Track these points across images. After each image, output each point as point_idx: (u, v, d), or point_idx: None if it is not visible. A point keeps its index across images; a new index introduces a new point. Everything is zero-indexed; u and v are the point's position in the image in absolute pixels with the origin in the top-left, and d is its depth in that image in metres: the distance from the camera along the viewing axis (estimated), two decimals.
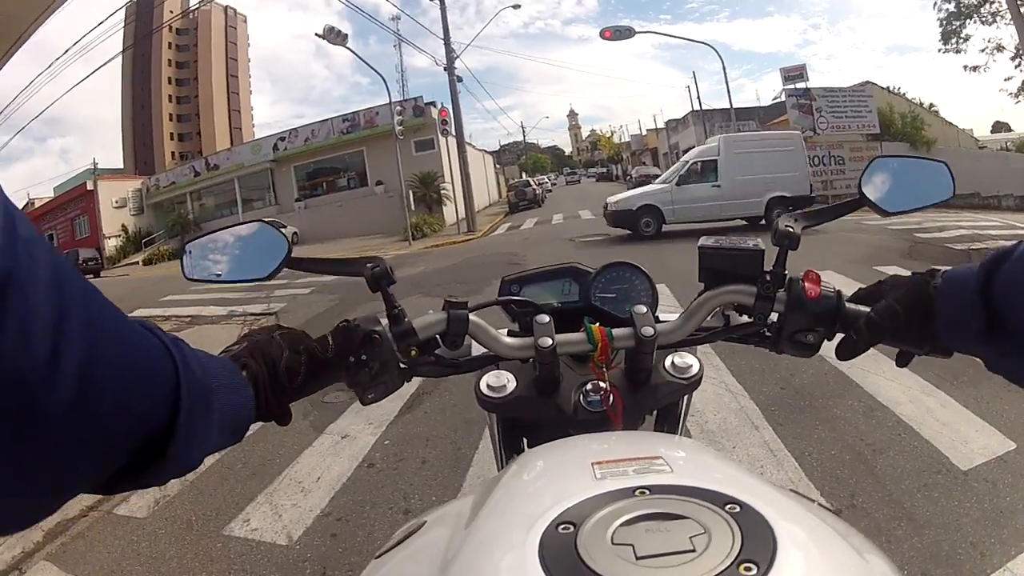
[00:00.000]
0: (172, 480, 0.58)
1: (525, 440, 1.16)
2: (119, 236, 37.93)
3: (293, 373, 0.82)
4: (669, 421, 1.15)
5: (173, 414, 0.54)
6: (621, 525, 0.53)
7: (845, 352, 0.92)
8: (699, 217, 16.22)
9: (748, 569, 0.46)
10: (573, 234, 18.08)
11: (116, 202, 39.07)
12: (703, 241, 1.01)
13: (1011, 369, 0.71)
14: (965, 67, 26.97)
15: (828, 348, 0.97)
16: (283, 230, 0.99)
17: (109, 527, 3.72)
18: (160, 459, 0.54)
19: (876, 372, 4.86)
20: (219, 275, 1.05)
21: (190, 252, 1.05)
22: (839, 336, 0.94)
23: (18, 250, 0.38)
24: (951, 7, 25.81)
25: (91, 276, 21.36)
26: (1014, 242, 0.68)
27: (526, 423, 1.14)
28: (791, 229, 0.95)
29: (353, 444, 4.64)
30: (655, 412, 1.14)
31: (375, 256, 1.01)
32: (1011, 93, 26.52)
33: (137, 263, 33.29)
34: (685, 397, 1.13)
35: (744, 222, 16.80)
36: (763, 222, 16.09)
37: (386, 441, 4.65)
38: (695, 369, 1.05)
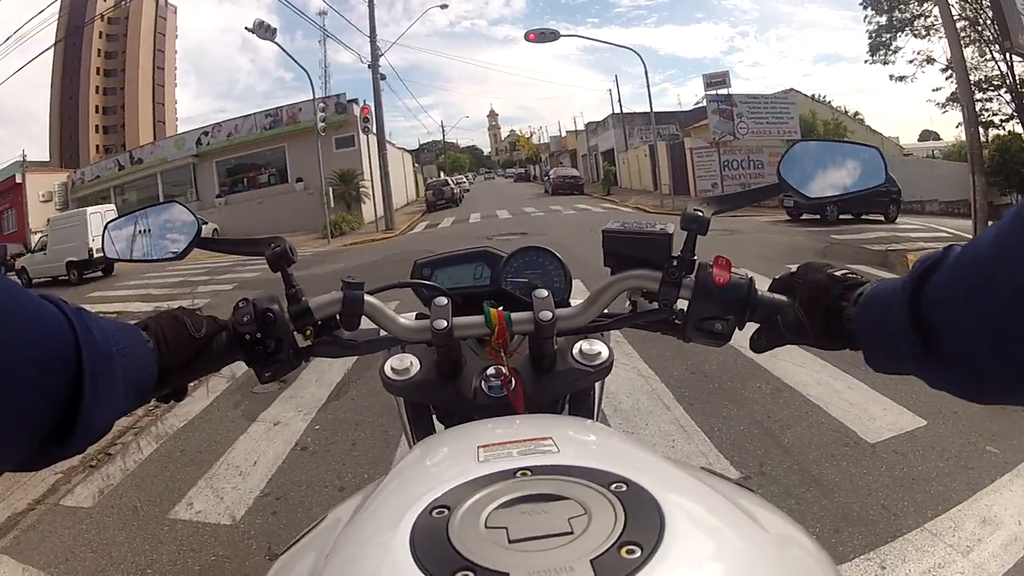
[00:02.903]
0: (90, 449, 0.60)
1: (439, 425, 1.10)
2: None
3: (196, 329, 0.82)
4: (582, 408, 1.09)
5: (78, 381, 0.54)
6: (497, 508, 0.51)
7: (755, 347, 0.91)
8: None
9: (631, 552, 0.43)
10: (490, 232, 17.99)
11: (43, 196, 36.83)
12: (608, 225, 0.98)
13: (954, 385, 0.61)
14: (891, 77, 26.78)
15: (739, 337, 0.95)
16: (198, 214, 1.04)
17: (58, 518, 3.69)
18: (73, 426, 0.55)
19: (784, 358, 5.07)
20: (137, 255, 1.04)
21: (111, 232, 1.06)
22: (751, 325, 0.91)
23: None
24: (882, 20, 25.76)
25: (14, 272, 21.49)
26: (940, 250, 0.61)
27: (435, 408, 1.09)
28: (700, 213, 0.91)
29: (285, 430, 4.69)
30: (568, 399, 1.09)
31: (277, 236, 0.97)
32: (938, 103, 26.43)
33: None
34: (597, 384, 1.09)
35: None
36: None
37: (316, 426, 4.72)
38: (604, 356, 0.98)
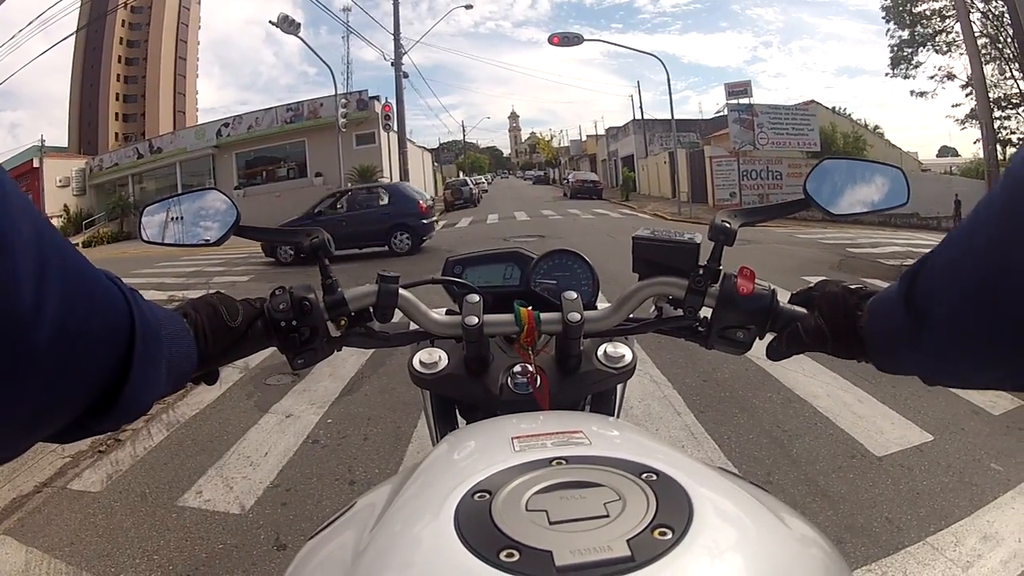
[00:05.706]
0: (125, 425, 0.62)
1: (462, 420, 1.14)
2: (60, 216, 36.42)
3: (232, 318, 0.86)
4: (604, 408, 1.12)
5: (128, 358, 0.57)
6: (536, 493, 0.54)
7: (773, 354, 0.93)
8: None
9: (663, 534, 0.47)
10: (508, 234, 17.97)
11: (60, 181, 37.41)
12: (639, 232, 1.00)
13: (946, 370, 0.65)
14: (912, 92, 27.17)
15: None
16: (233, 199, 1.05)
17: (65, 501, 3.72)
18: (114, 403, 0.56)
19: (795, 369, 5.08)
20: (170, 239, 1.07)
21: (146, 216, 1.07)
22: (770, 335, 0.94)
23: (6, 209, 0.41)
24: (904, 35, 25.94)
25: None
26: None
27: (459, 402, 1.13)
28: (727, 225, 0.94)
29: (297, 423, 4.71)
30: (589, 399, 1.11)
31: (316, 228, 1.02)
32: (957, 120, 26.78)
33: (77, 245, 32.09)
34: (619, 386, 1.13)
35: None
36: None
37: (329, 420, 4.74)
38: (628, 359, 1.02)
